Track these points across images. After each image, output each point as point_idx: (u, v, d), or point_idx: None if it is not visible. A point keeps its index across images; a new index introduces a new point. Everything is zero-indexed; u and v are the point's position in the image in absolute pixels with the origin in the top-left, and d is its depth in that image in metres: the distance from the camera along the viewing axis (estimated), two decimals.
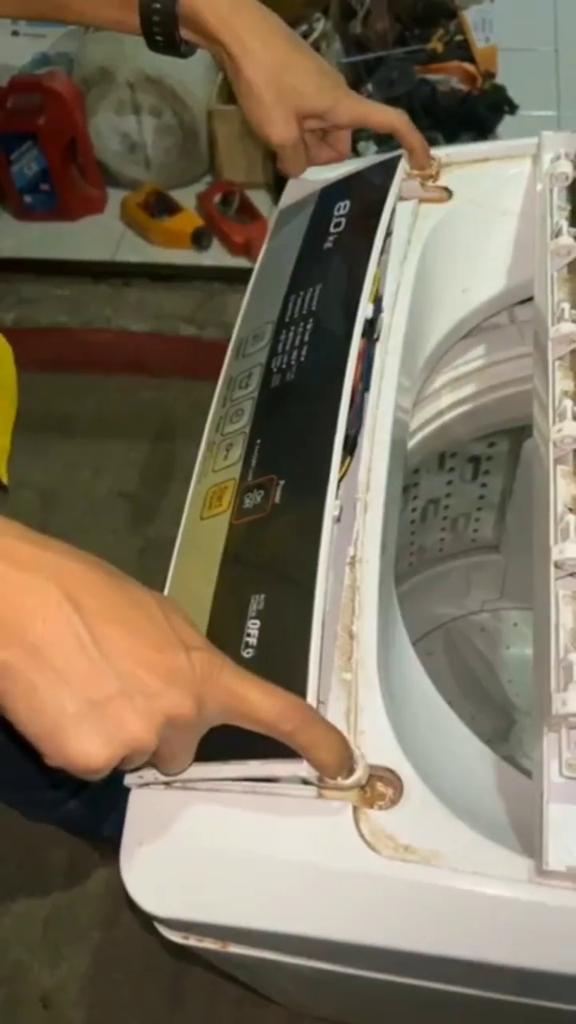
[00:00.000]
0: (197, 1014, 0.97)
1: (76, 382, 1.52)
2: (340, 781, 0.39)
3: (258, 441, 0.51)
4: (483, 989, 0.45)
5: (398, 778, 0.40)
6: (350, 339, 0.50)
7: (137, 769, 0.41)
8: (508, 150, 0.64)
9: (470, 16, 1.54)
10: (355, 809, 0.40)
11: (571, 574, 0.42)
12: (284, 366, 0.53)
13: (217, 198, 1.52)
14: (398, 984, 0.45)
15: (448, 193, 0.62)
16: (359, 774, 0.39)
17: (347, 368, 0.49)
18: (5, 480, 0.70)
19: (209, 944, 0.45)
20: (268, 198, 1.54)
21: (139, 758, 0.33)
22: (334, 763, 0.38)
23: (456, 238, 0.61)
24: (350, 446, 0.51)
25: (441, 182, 0.62)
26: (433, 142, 0.63)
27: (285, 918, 0.40)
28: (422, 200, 0.61)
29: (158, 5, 0.55)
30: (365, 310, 0.51)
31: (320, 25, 1.48)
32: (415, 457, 0.71)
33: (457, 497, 0.90)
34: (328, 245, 0.58)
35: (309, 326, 0.53)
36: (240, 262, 1.49)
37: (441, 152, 0.63)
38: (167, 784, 0.42)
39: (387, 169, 0.60)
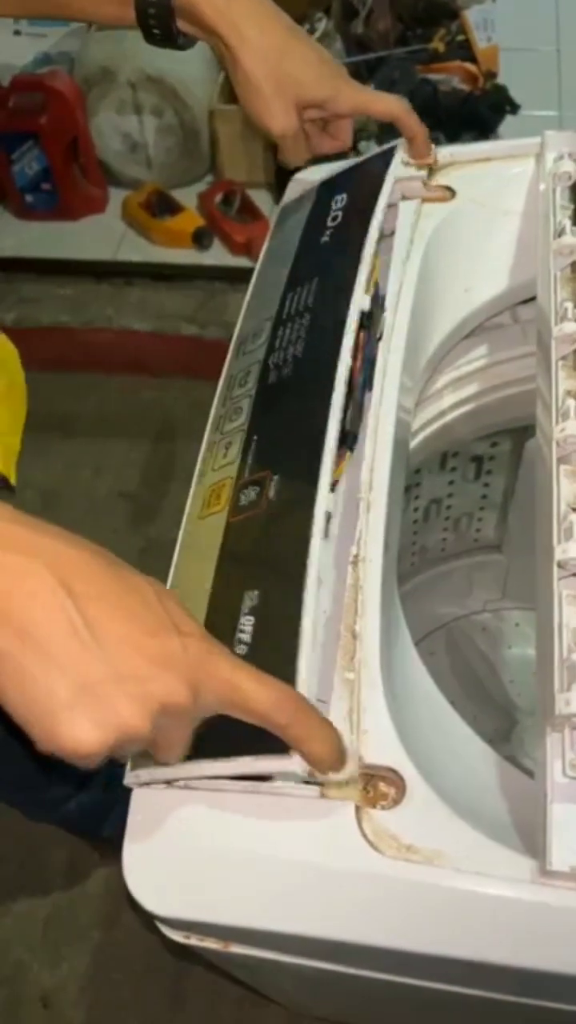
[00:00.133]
0: (198, 1014, 0.97)
1: (77, 382, 1.52)
2: (332, 776, 0.38)
3: (254, 438, 0.51)
4: (485, 990, 0.45)
5: (401, 778, 0.40)
6: (344, 331, 0.50)
7: (136, 765, 0.41)
8: (511, 150, 0.64)
9: (472, 16, 1.54)
10: (357, 809, 0.39)
11: (574, 574, 0.41)
12: (281, 362, 0.53)
13: (218, 198, 1.52)
14: (400, 984, 0.45)
15: (451, 192, 0.62)
16: (350, 768, 0.38)
17: (340, 359, 0.49)
18: (12, 480, 0.70)
19: (211, 944, 0.45)
20: (269, 198, 1.54)
21: (133, 745, 0.33)
22: (327, 756, 0.37)
23: (459, 237, 0.61)
24: (350, 441, 0.50)
25: (444, 181, 0.62)
26: (435, 142, 0.63)
27: (287, 918, 0.40)
28: (425, 199, 0.61)
29: None
30: (360, 301, 0.51)
31: (322, 25, 1.48)
32: (417, 457, 0.71)
33: (459, 497, 0.90)
34: (325, 239, 0.58)
35: (305, 321, 0.53)
36: (241, 262, 1.49)
37: (444, 151, 0.63)
38: (168, 784, 0.42)
39: (384, 159, 0.60)
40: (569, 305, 0.50)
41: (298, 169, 0.69)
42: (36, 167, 1.51)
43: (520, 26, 1.68)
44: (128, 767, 0.42)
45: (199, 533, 0.50)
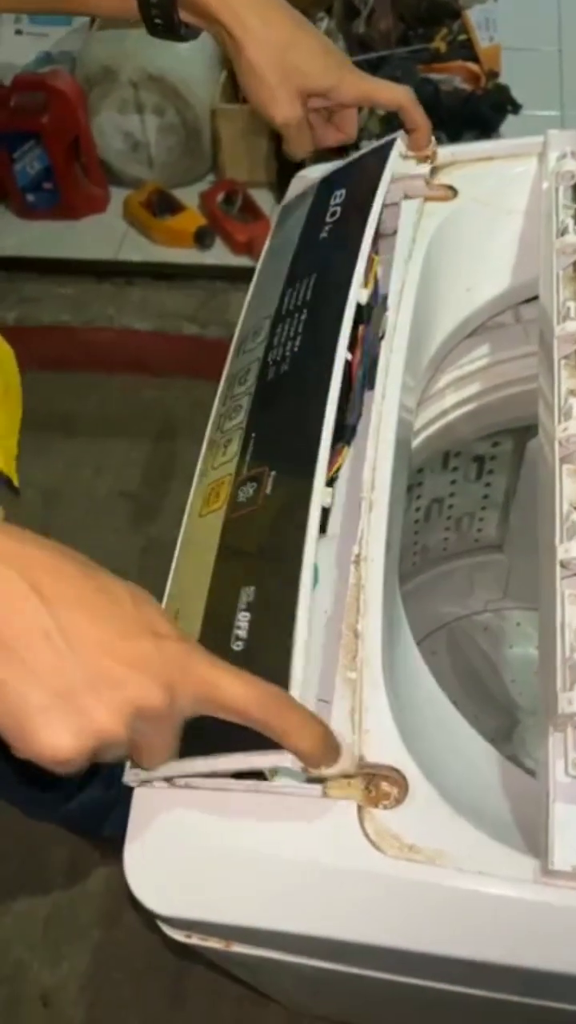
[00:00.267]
0: (198, 1013, 0.97)
1: (78, 381, 1.52)
2: (324, 770, 0.38)
3: (253, 435, 0.51)
4: (487, 989, 0.45)
5: (403, 777, 0.40)
6: (341, 324, 0.50)
7: (135, 763, 0.41)
8: (513, 149, 0.64)
9: (473, 15, 1.53)
10: (359, 808, 0.39)
11: None
12: (279, 358, 0.53)
13: (220, 197, 1.52)
14: (401, 984, 0.45)
15: (453, 192, 0.62)
16: (344, 762, 0.38)
17: (336, 352, 0.48)
18: (16, 482, 0.70)
19: (212, 943, 0.45)
20: (271, 197, 1.54)
21: (112, 750, 0.33)
22: (314, 751, 0.37)
23: (461, 237, 0.61)
24: (348, 436, 0.50)
25: (446, 181, 0.62)
26: (436, 141, 0.63)
27: (289, 917, 0.40)
28: (427, 199, 0.61)
29: None
30: (357, 294, 0.51)
31: (324, 24, 1.48)
32: (419, 456, 0.71)
33: (461, 496, 0.90)
34: (324, 235, 0.58)
35: (303, 316, 0.53)
36: (243, 261, 1.49)
37: (446, 151, 0.63)
38: (169, 782, 0.42)
39: (382, 153, 0.60)
40: (571, 304, 0.50)
41: (300, 167, 0.69)
42: (37, 166, 1.51)
43: (522, 26, 1.68)
44: (127, 765, 0.42)
45: (199, 531, 0.50)
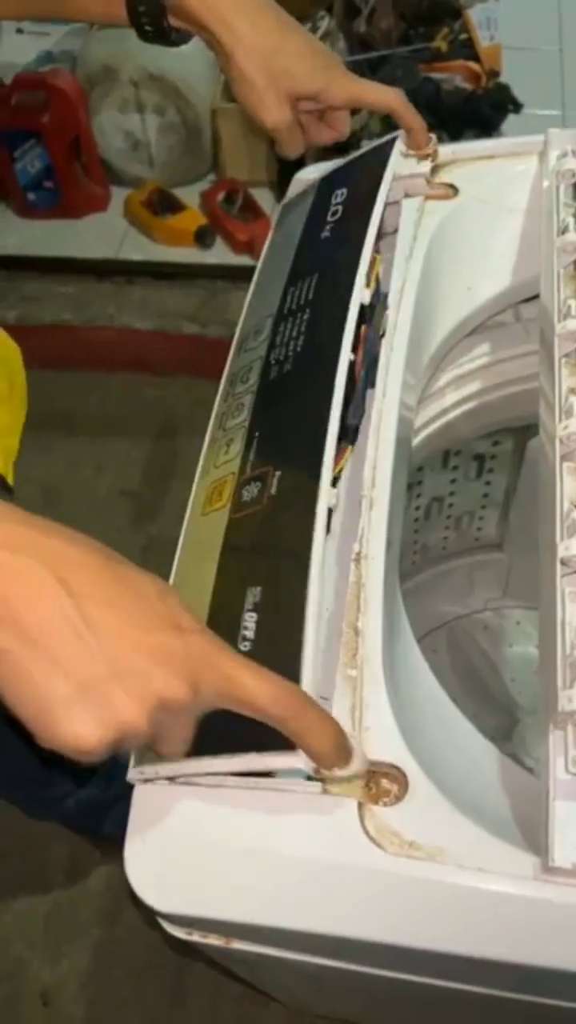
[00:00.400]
0: (198, 1011, 0.97)
1: (79, 380, 1.52)
2: (336, 772, 0.38)
3: (256, 434, 0.51)
4: (486, 986, 0.45)
5: (403, 774, 0.40)
6: (344, 324, 0.50)
7: (139, 761, 0.41)
8: (514, 147, 0.64)
9: (475, 15, 1.53)
10: (360, 805, 0.39)
11: None
12: (282, 358, 0.53)
13: (220, 196, 1.52)
14: (401, 981, 0.45)
15: (454, 190, 0.62)
16: (356, 765, 0.38)
17: (341, 352, 0.49)
18: (11, 481, 0.70)
19: (212, 940, 0.45)
20: (272, 196, 1.54)
21: (133, 741, 0.33)
22: (329, 752, 0.37)
23: (461, 235, 0.61)
24: (351, 435, 0.50)
25: (446, 179, 0.62)
26: (437, 140, 0.63)
27: (290, 914, 0.40)
28: (428, 197, 0.61)
29: None
30: (360, 294, 0.51)
31: (324, 23, 1.48)
32: (419, 455, 0.71)
33: (461, 495, 0.90)
34: (326, 234, 0.58)
35: (306, 316, 0.53)
36: (243, 260, 1.49)
37: (446, 149, 0.63)
38: (171, 780, 0.42)
39: (383, 151, 0.60)
40: (572, 303, 0.50)
41: (301, 165, 0.69)
42: (38, 165, 1.51)
43: (523, 25, 1.68)
44: (131, 763, 0.42)
45: (201, 530, 0.50)
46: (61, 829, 1.03)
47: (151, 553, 1.29)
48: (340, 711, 0.42)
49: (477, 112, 1.45)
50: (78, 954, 1.02)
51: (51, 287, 1.54)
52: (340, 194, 0.60)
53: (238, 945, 0.45)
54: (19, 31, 1.69)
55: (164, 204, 1.53)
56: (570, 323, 0.49)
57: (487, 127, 1.46)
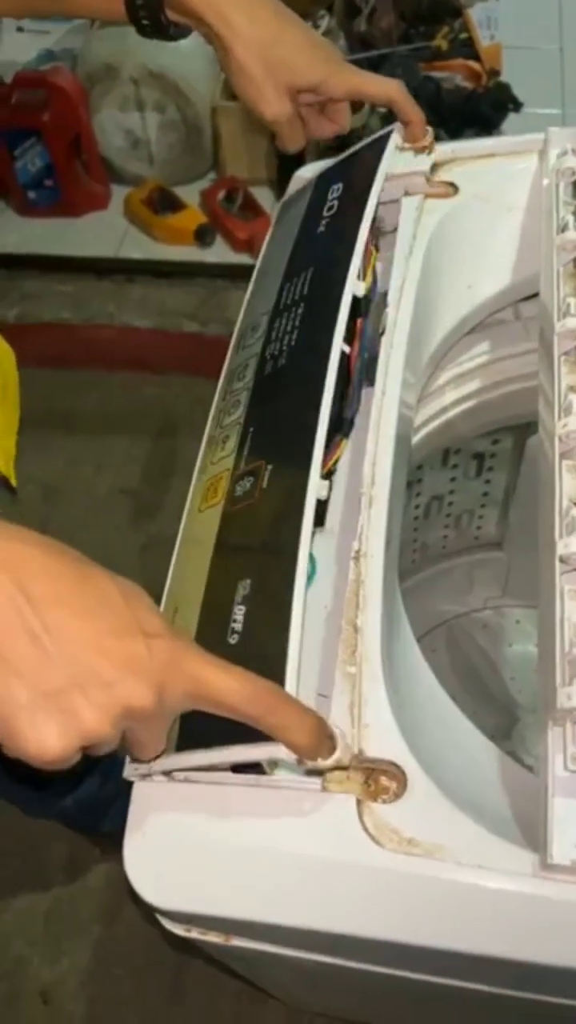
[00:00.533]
0: (197, 1009, 0.98)
1: (78, 378, 1.52)
2: (320, 762, 0.38)
3: (251, 429, 0.51)
4: (485, 983, 0.45)
5: (402, 772, 0.40)
6: (337, 315, 0.50)
7: (137, 761, 0.41)
8: (514, 146, 0.63)
9: (475, 14, 1.54)
10: (359, 802, 0.40)
11: None
12: (276, 353, 0.53)
13: (221, 195, 1.52)
14: (400, 978, 0.45)
15: (454, 188, 0.61)
16: (338, 755, 0.38)
17: (333, 344, 0.48)
18: (13, 482, 0.70)
19: (211, 937, 0.45)
20: (272, 194, 1.54)
21: (101, 748, 0.33)
22: (308, 744, 0.37)
23: (461, 234, 0.61)
24: (345, 428, 0.50)
25: (446, 177, 0.62)
26: (437, 139, 0.63)
27: (289, 911, 0.40)
28: (427, 195, 0.61)
29: None
30: (353, 285, 0.51)
31: (324, 22, 1.48)
32: (419, 453, 0.71)
33: (461, 494, 0.90)
34: (321, 229, 0.58)
35: (301, 310, 0.53)
36: (243, 259, 1.49)
37: (446, 147, 0.63)
38: (169, 776, 0.42)
39: (378, 145, 0.59)
40: (572, 301, 0.50)
41: (301, 163, 0.69)
42: (39, 164, 1.51)
43: (523, 24, 1.68)
44: (127, 760, 0.43)
45: (198, 526, 0.50)
46: (61, 827, 1.03)
47: (151, 551, 1.30)
48: (339, 708, 0.42)
49: (477, 111, 1.45)
50: (78, 952, 1.02)
51: (51, 285, 1.54)
52: (336, 189, 0.60)
53: (237, 942, 0.45)
54: (19, 29, 1.69)
55: (164, 202, 1.53)
56: (569, 321, 0.49)
57: (487, 126, 1.46)
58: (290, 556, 0.42)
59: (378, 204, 0.56)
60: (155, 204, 1.53)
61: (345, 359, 0.50)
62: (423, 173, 0.61)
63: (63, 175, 1.52)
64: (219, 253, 1.52)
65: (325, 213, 0.58)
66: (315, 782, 0.40)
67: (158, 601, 0.48)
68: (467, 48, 1.52)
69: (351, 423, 0.51)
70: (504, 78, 1.51)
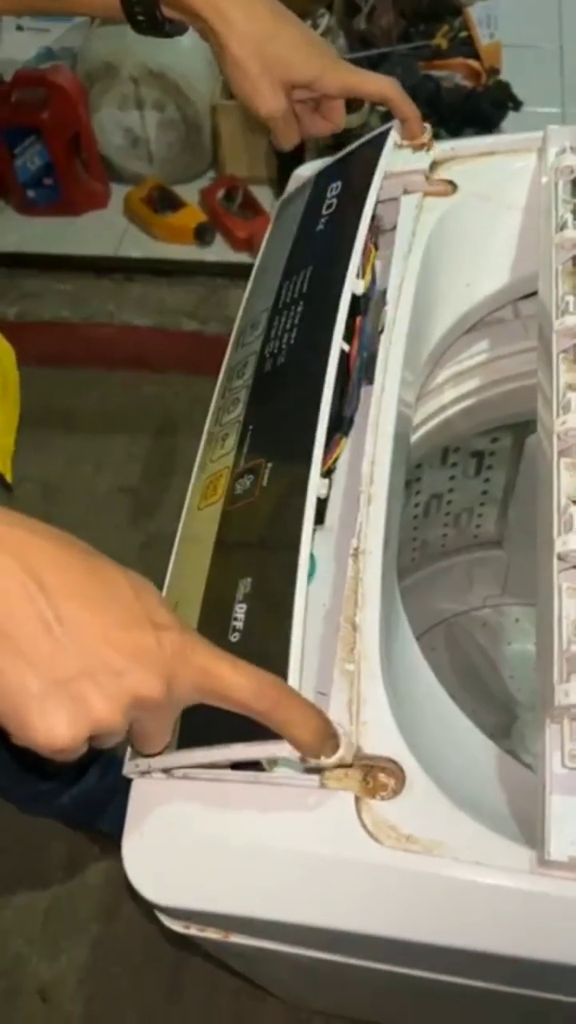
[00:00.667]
0: (196, 1006, 0.98)
1: (78, 377, 1.53)
2: (323, 760, 0.38)
3: (250, 427, 0.51)
4: (483, 980, 0.45)
5: (400, 769, 0.40)
6: (336, 313, 0.50)
7: (135, 754, 0.42)
8: (513, 144, 0.63)
9: (475, 12, 1.53)
10: (357, 799, 0.40)
11: (574, 566, 0.42)
12: (276, 351, 0.53)
13: (220, 193, 1.52)
14: (398, 975, 0.45)
15: (453, 187, 0.61)
16: (341, 753, 0.38)
17: (332, 342, 0.48)
18: (9, 478, 0.70)
19: (210, 933, 0.45)
20: (272, 193, 1.54)
21: (109, 738, 0.33)
22: (313, 741, 0.37)
23: (460, 232, 0.61)
24: (345, 427, 0.50)
25: (445, 176, 0.62)
26: (436, 138, 0.63)
27: (287, 907, 0.40)
28: (426, 194, 0.61)
29: None
30: (352, 283, 0.51)
31: (324, 20, 1.48)
32: (418, 452, 0.71)
33: (460, 492, 0.90)
34: (320, 227, 0.58)
35: (300, 308, 0.53)
36: (243, 257, 1.49)
37: (446, 145, 0.63)
38: (168, 773, 0.42)
39: (377, 143, 0.59)
40: (570, 299, 0.50)
41: (300, 162, 0.69)
42: (38, 162, 1.51)
43: (523, 23, 1.68)
44: (127, 757, 0.43)
45: (197, 524, 0.50)
46: (60, 826, 1.04)
47: (150, 550, 1.30)
48: (338, 705, 0.42)
49: (477, 110, 1.45)
50: (76, 950, 1.03)
51: (51, 284, 1.54)
52: (335, 187, 0.60)
53: (236, 939, 0.45)
54: (19, 28, 1.69)
55: (164, 201, 1.53)
56: (568, 319, 0.49)
57: (487, 125, 1.46)
58: (291, 554, 0.42)
59: (377, 202, 0.56)
60: (155, 203, 1.53)
61: (344, 357, 0.50)
62: (422, 171, 0.61)
63: (63, 174, 1.52)
64: (219, 252, 1.52)
65: (324, 211, 0.58)
66: (314, 779, 0.40)
67: None
68: (467, 47, 1.52)
69: (350, 421, 0.51)
70: (504, 77, 1.51)
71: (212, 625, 0.43)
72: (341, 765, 0.39)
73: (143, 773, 0.42)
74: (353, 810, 0.39)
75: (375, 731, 0.41)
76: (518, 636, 1.02)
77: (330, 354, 0.48)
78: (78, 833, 1.06)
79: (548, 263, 0.54)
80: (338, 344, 0.49)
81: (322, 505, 0.48)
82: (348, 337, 0.50)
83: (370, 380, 0.52)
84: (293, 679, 0.39)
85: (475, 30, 1.51)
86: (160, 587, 0.49)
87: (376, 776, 0.40)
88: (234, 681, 0.35)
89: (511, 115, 1.49)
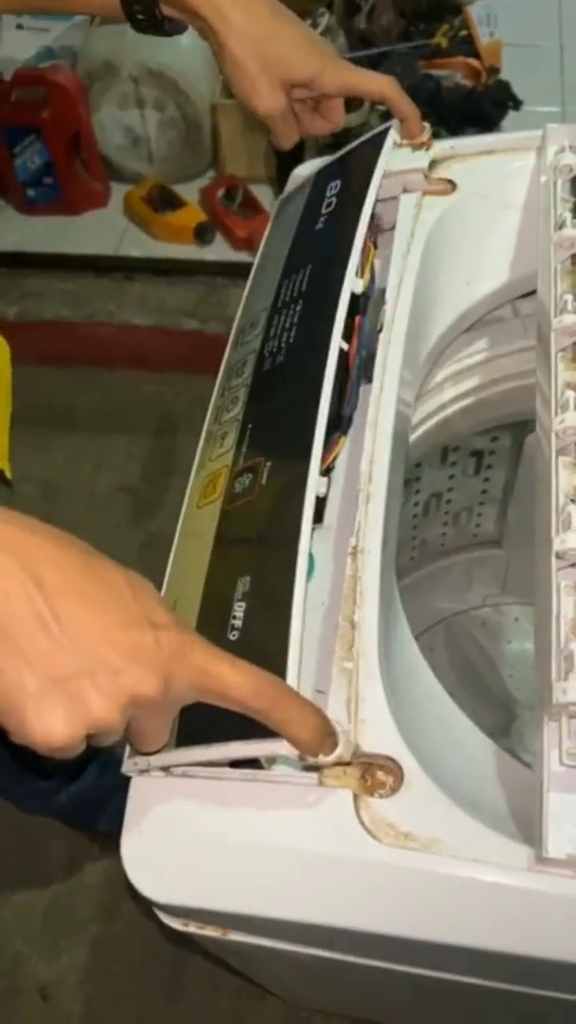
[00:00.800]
0: (195, 1006, 0.98)
1: (78, 376, 1.53)
2: (321, 758, 0.38)
3: (249, 426, 0.51)
4: (481, 977, 0.45)
5: (399, 767, 0.40)
6: (336, 312, 0.50)
7: (133, 753, 0.42)
8: (512, 143, 0.64)
9: (475, 11, 1.54)
10: (355, 797, 0.40)
11: (572, 564, 0.42)
12: (275, 350, 0.53)
13: (220, 192, 1.52)
14: (396, 972, 0.45)
15: (452, 185, 0.62)
16: (340, 751, 0.38)
17: (332, 340, 0.49)
18: (8, 474, 0.70)
19: (209, 931, 0.45)
20: (271, 192, 1.54)
21: (107, 737, 0.33)
22: (311, 740, 0.37)
23: (460, 231, 0.61)
24: (344, 426, 0.50)
25: (445, 174, 0.62)
26: (437, 137, 0.63)
27: (285, 905, 0.40)
28: (426, 193, 0.61)
29: None
30: (351, 282, 0.51)
31: (324, 20, 1.48)
32: (417, 451, 0.71)
33: (459, 491, 0.90)
34: (320, 226, 0.58)
35: (299, 307, 0.53)
36: (243, 256, 1.49)
37: (445, 144, 0.63)
38: (166, 771, 0.42)
39: (376, 142, 0.59)
40: (569, 297, 0.50)
41: (300, 161, 0.69)
42: (38, 161, 1.51)
43: (523, 22, 1.68)
44: (126, 755, 0.43)
45: (196, 522, 0.50)
46: (59, 825, 1.04)
47: (150, 549, 1.30)
48: (336, 703, 0.42)
49: (477, 109, 1.45)
50: (76, 949, 1.03)
51: (51, 283, 1.54)
52: (334, 186, 0.60)
53: (234, 936, 0.45)
54: (19, 27, 1.69)
55: (164, 200, 1.53)
56: (566, 317, 0.49)
57: (487, 124, 1.46)
58: (290, 553, 0.42)
59: (376, 201, 0.56)
60: (155, 202, 1.53)
61: (343, 356, 0.50)
62: (421, 170, 0.61)
63: (63, 173, 1.52)
64: (219, 251, 1.52)
65: (323, 210, 0.59)
66: (312, 777, 0.40)
67: None
68: (467, 46, 1.52)
69: (349, 420, 0.51)
70: (504, 76, 1.51)
71: (211, 623, 0.43)
72: (339, 763, 0.39)
73: (142, 771, 0.42)
74: (351, 808, 0.39)
75: (373, 729, 0.41)
76: (517, 635, 1.02)
77: (329, 353, 0.48)
78: (78, 833, 1.06)
79: (547, 262, 0.54)
80: (337, 343, 0.49)
81: (321, 504, 0.48)
82: (347, 336, 0.51)
83: (369, 379, 0.52)
84: (292, 678, 0.39)
85: (475, 29, 1.52)
86: (159, 586, 0.49)
87: (374, 774, 0.40)
88: (233, 680, 0.35)
89: (511, 114, 1.49)
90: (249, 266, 0.64)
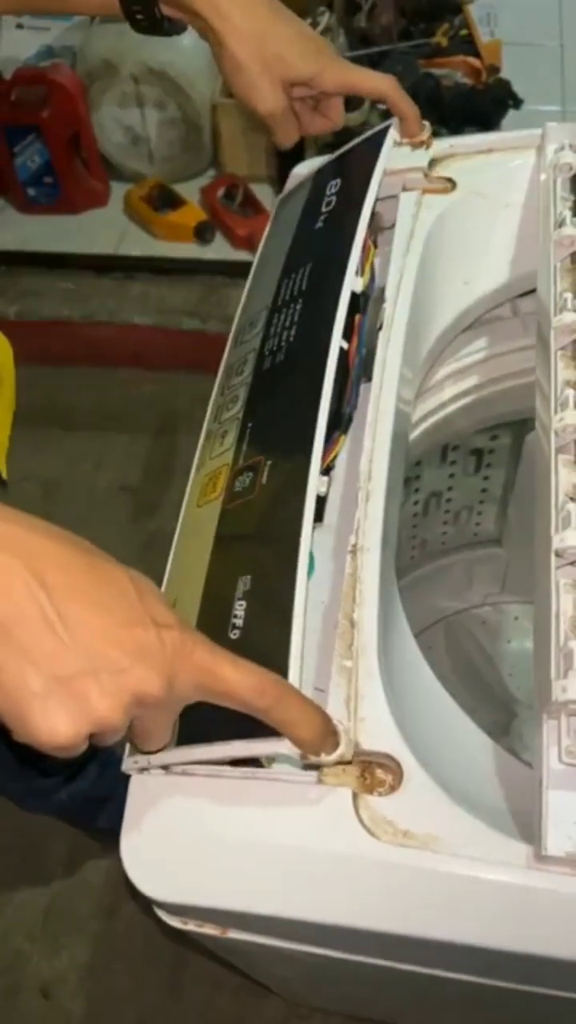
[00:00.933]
0: (196, 1005, 0.98)
1: (78, 376, 1.53)
2: (323, 757, 0.38)
3: (249, 424, 0.51)
4: (480, 975, 0.45)
5: (398, 765, 0.40)
6: (336, 311, 0.50)
7: (134, 751, 0.42)
8: (512, 141, 0.64)
9: (475, 10, 1.53)
10: (354, 795, 0.40)
11: (572, 562, 0.42)
12: (275, 348, 0.53)
13: (220, 192, 1.52)
14: (396, 970, 0.46)
15: (451, 184, 0.62)
16: (342, 750, 0.38)
17: (332, 339, 0.49)
18: (4, 475, 0.70)
19: (208, 930, 0.45)
20: (272, 191, 1.54)
21: (110, 735, 0.33)
22: (313, 739, 0.37)
23: (459, 229, 0.61)
24: (344, 424, 0.50)
25: (444, 173, 0.62)
26: (436, 136, 0.63)
27: (284, 903, 0.40)
28: (425, 191, 0.61)
29: None
30: (352, 281, 0.51)
31: (324, 19, 1.48)
32: (417, 449, 0.71)
33: (459, 490, 0.90)
34: (319, 225, 0.58)
35: (299, 306, 0.53)
36: (243, 256, 1.49)
37: (445, 143, 0.63)
38: (166, 770, 0.42)
39: (376, 140, 0.59)
40: (569, 296, 0.50)
41: (300, 160, 0.69)
42: (38, 160, 1.51)
43: (523, 20, 1.68)
44: (126, 753, 0.43)
45: (196, 521, 0.50)
46: (60, 824, 1.04)
47: (150, 549, 1.30)
48: (336, 702, 0.42)
49: (478, 108, 1.44)
50: (77, 947, 1.03)
51: (51, 283, 1.54)
52: (334, 184, 0.60)
53: (234, 935, 0.45)
54: (19, 26, 1.69)
55: (164, 199, 1.53)
56: (566, 316, 0.49)
57: (487, 123, 1.46)
58: (291, 552, 0.42)
59: (376, 199, 0.56)
60: (155, 201, 1.53)
61: (343, 355, 0.50)
62: (421, 169, 0.61)
63: (63, 172, 1.52)
64: (219, 250, 1.52)
65: (323, 209, 0.59)
66: (311, 775, 0.40)
67: None
68: (467, 44, 1.52)
69: (349, 419, 0.52)
70: (504, 75, 1.51)
71: (212, 622, 0.43)
72: (340, 762, 0.39)
73: (142, 769, 0.42)
74: (351, 806, 0.39)
75: (373, 727, 0.41)
76: (517, 634, 1.02)
77: (329, 352, 0.48)
78: (78, 831, 1.06)
79: (547, 260, 0.54)
80: (337, 342, 0.49)
81: (320, 502, 0.48)
82: (347, 335, 0.51)
83: (369, 378, 0.52)
84: (294, 676, 0.39)
85: (475, 28, 1.51)
86: (159, 585, 0.49)
87: (374, 772, 0.40)
88: (235, 679, 0.35)
89: (511, 113, 1.49)
90: (249, 265, 0.64)
